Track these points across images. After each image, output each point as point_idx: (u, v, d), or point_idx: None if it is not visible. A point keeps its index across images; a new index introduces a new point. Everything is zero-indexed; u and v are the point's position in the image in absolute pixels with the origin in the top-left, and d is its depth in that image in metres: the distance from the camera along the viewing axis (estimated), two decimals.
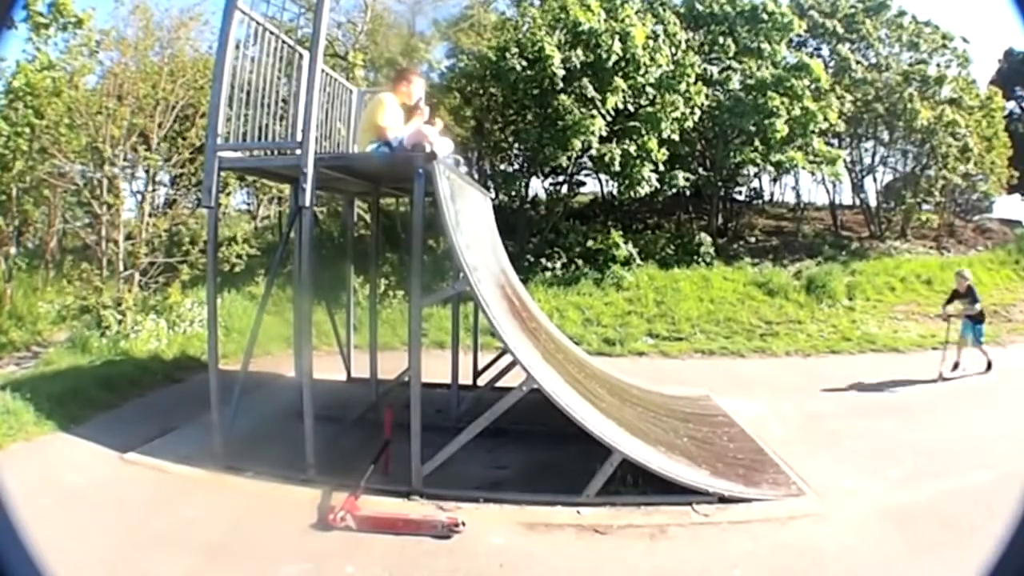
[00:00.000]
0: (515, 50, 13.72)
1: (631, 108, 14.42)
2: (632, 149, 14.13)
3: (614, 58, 13.82)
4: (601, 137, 13.92)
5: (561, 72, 13.49)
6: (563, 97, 13.79)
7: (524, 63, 13.57)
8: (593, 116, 13.60)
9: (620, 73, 14.08)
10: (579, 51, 13.69)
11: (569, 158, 14.33)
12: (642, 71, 14.21)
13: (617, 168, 14.16)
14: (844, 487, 5.87)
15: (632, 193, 14.80)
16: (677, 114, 14.54)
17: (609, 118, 13.98)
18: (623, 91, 14.01)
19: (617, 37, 13.80)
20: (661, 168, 14.71)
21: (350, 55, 14.22)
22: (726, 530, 5.06)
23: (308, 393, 5.95)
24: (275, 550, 4.69)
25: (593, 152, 14.10)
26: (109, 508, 5.21)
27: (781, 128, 15.22)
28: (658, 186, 14.90)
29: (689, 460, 5.97)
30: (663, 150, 14.50)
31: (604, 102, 13.82)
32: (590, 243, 14.99)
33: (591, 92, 13.78)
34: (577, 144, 13.74)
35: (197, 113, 11.49)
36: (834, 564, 4.60)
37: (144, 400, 8.32)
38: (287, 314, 9.84)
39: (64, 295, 11.31)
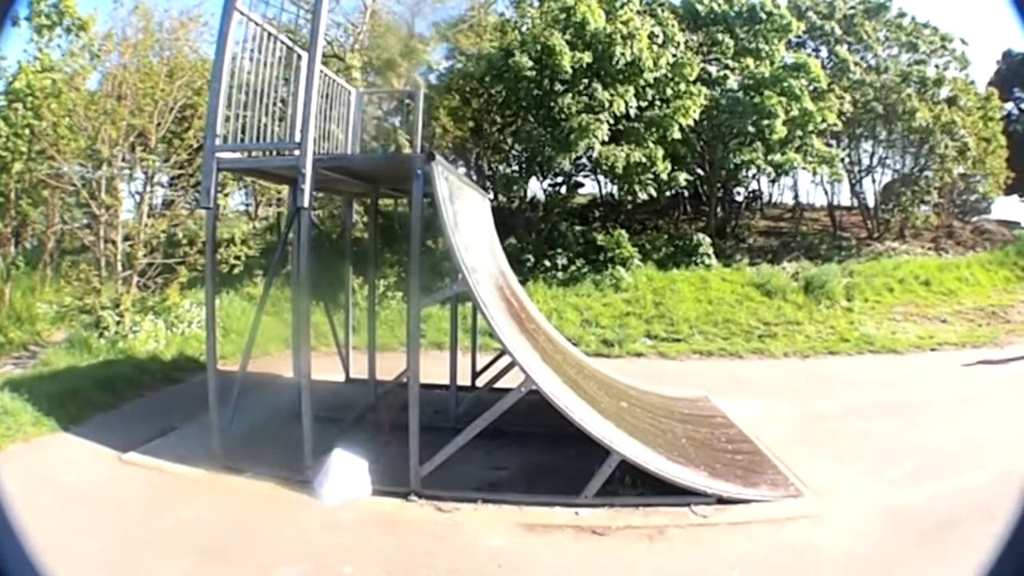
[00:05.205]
0: (520, 48, 13.74)
1: (631, 112, 14.42)
2: (638, 156, 14.12)
3: (622, 61, 13.83)
4: (603, 140, 13.96)
5: (569, 71, 13.49)
6: (567, 98, 13.80)
7: (530, 61, 13.57)
8: (600, 120, 13.61)
9: (623, 76, 14.10)
10: (586, 54, 13.68)
11: (571, 160, 14.34)
12: (645, 73, 14.22)
13: (620, 171, 14.16)
14: (843, 488, 5.88)
15: (634, 196, 14.81)
16: (689, 121, 14.60)
17: (612, 121, 14.00)
18: (627, 94, 14.02)
19: (624, 40, 13.82)
20: (662, 175, 14.72)
21: (349, 56, 14.22)
22: (724, 531, 5.06)
23: (307, 394, 5.95)
24: (274, 550, 4.69)
25: (595, 154, 14.10)
26: (108, 508, 5.21)
27: (779, 129, 15.23)
28: (656, 192, 14.91)
29: (687, 461, 5.97)
30: (666, 162, 14.53)
31: (612, 104, 13.83)
32: (600, 241, 14.99)
33: (600, 94, 13.80)
34: (582, 147, 13.76)
35: (196, 114, 11.48)
36: (833, 565, 4.60)
37: (143, 400, 8.32)
38: (286, 315, 9.85)
39: (62, 295, 11.30)
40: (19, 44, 10.78)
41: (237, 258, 11.75)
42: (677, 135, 14.61)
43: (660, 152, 14.39)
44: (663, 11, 16.52)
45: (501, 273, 7.94)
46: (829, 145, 17.48)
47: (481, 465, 6.18)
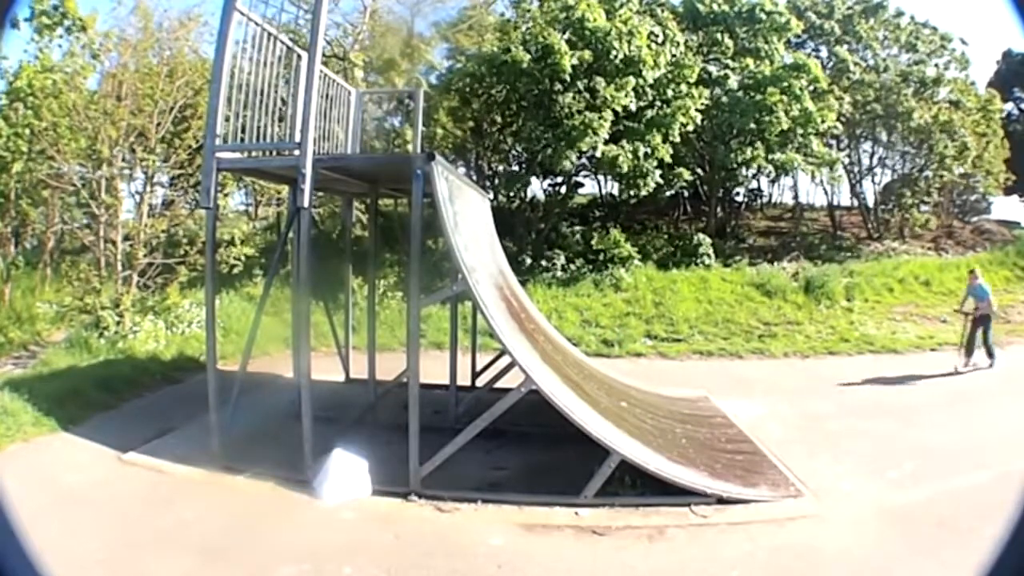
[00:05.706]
0: (520, 45, 13.74)
1: (632, 109, 14.42)
2: (641, 151, 14.12)
3: (620, 56, 13.82)
4: (604, 138, 13.96)
5: (569, 70, 13.49)
6: (567, 97, 13.79)
7: (527, 56, 13.55)
8: (603, 118, 13.61)
9: (622, 74, 14.09)
10: (586, 52, 13.67)
11: (573, 159, 14.32)
12: (645, 71, 14.22)
13: (625, 170, 14.14)
14: (842, 488, 5.88)
15: (636, 193, 14.81)
16: (690, 124, 14.62)
17: (614, 118, 14.00)
18: (629, 91, 14.01)
19: (623, 38, 13.81)
20: (665, 166, 14.72)
21: (353, 55, 14.21)
22: (724, 531, 5.06)
23: (306, 394, 5.95)
24: (274, 550, 4.69)
25: (597, 153, 14.07)
26: (107, 508, 5.21)
27: (783, 122, 15.21)
28: (661, 183, 14.88)
29: (687, 461, 5.97)
30: (667, 145, 14.52)
31: (614, 101, 13.82)
32: (595, 242, 15.00)
33: (603, 91, 13.79)
34: (584, 145, 13.75)
35: (195, 114, 11.48)
36: (832, 565, 4.60)
37: (142, 401, 8.32)
38: (285, 315, 9.84)
39: (62, 295, 11.31)
40: (20, 44, 10.79)
41: (237, 258, 11.75)
42: (677, 138, 14.63)
43: (659, 139, 14.39)
44: (663, 11, 16.53)
45: (501, 273, 7.94)
46: (828, 146, 17.49)
47: (481, 465, 6.17)
